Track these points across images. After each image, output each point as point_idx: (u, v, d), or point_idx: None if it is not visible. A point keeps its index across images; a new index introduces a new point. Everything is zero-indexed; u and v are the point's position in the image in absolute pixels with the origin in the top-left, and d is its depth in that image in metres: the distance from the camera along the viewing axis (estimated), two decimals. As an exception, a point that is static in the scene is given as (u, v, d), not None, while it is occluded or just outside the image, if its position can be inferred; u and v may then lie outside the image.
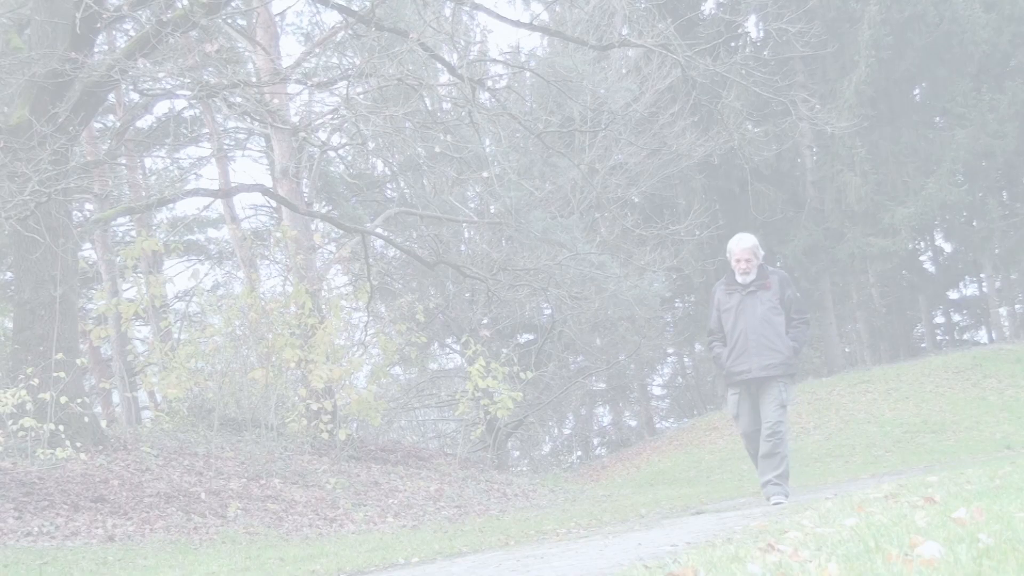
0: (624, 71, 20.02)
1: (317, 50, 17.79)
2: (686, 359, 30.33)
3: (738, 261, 7.61)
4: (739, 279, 7.57)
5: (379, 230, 17.48)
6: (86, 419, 9.82)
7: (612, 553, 4.09)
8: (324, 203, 22.10)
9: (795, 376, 7.64)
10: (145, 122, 21.62)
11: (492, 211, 18.77)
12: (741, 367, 7.48)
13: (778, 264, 26.28)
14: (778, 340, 7.44)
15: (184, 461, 10.49)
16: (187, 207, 23.20)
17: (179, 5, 9.47)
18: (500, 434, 18.02)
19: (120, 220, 20.37)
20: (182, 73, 9.93)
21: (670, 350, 29.42)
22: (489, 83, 11.57)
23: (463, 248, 20.07)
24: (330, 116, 14.92)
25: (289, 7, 17.16)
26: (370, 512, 9.69)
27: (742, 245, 7.63)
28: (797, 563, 2.56)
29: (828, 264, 24.15)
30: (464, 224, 19.25)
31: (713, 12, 24.41)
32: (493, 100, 11.80)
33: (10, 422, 8.94)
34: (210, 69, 12.62)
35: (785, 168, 24.15)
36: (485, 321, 20.08)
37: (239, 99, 10.24)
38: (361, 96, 11.80)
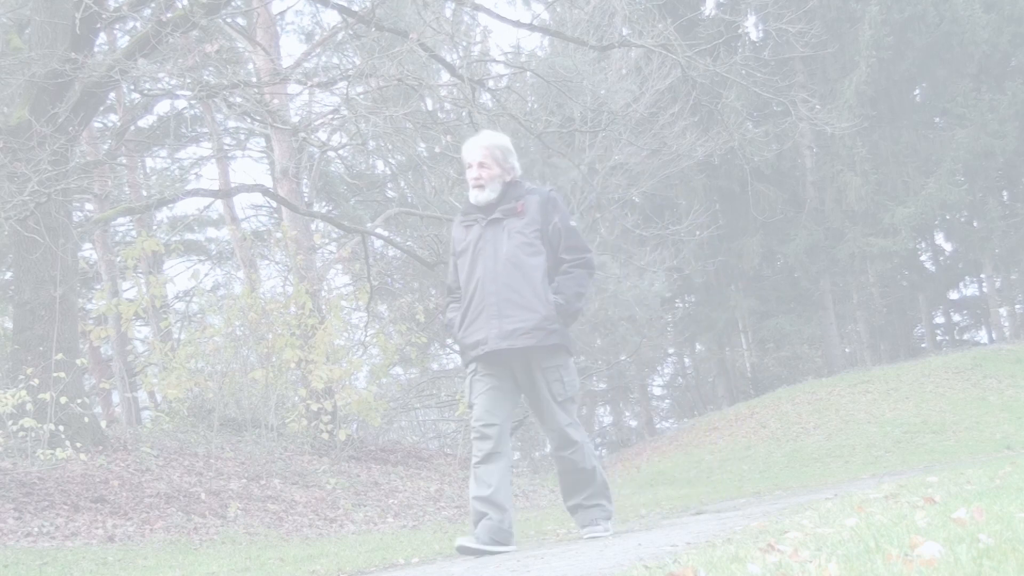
0: (624, 71, 20.01)
1: (317, 50, 17.80)
2: (686, 359, 30.37)
3: (469, 167, 5.05)
4: (472, 197, 5.03)
5: (379, 230, 17.49)
6: (86, 419, 9.82)
7: (612, 553, 4.09)
8: (324, 203, 22.11)
9: (570, 349, 5.04)
10: (145, 122, 21.65)
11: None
12: (476, 335, 4.92)
13: (778, 264, 26.37)
14: (531, 292, 4.87)
15: (184, 461, 10.48)
16: (187, 207, 23.25)
17: (179, 5, 9.47)
18: (500, 434, 17.98)
19: (120, 220, 20.37)
20: (182, 73, 9.92)
21: (670, 350, 29.46)
22: (490, 83, 11.58)
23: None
24: (330, 116, 14.91)
25: (289, 7, 17.20)
26: (370, 512, 9.69)
27: (476, 143, 5.09)
28: (797, 563, 2.55)
29: (828, 264, 24.17)
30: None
31: (713, 12, 24.43)
32: (494, 100, 11.79)
33: (10, 422, 8.93)
34: (210, 69, 12.62)
35: (785, 168, 24.17)
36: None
37: (239, 99, 10.24)
38: (361, 96, 11.80)
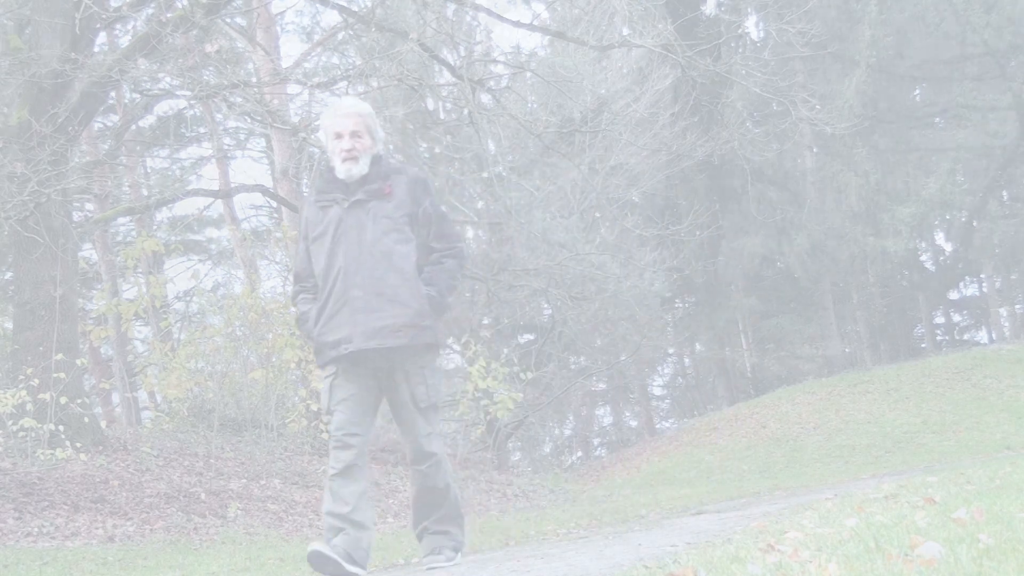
0: (625, 71, 20.02)
1: (317, 50, 17.80)
2: (686, 359, 30.37)
3: (339, 137, 4.38)
4: (340, 171, 4.37)
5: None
6: (86, 419, 9.82)
7: (612, 553, 4.09)
8: (324, 203, 22.02)
9: (439, 348, 4.49)
10: (145, 122, 21.66)
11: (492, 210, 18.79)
12: (337, 334, 4.25)
13: (778, 264, 26.37)
14: (402, 284, 4.26)
15: (184, 461, 10.49)
16: (187, 207, 23.22)
17: (179, 5, 9.48)
18: (500, 434, 18.01)
19: (120, 220, 20.38)
20: (182, 73, 9.92)
21: (670, 350, 29.45)
22: (491, 83, 11.58)
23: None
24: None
25: (289, 7, 17.21)
26: (370, 512, 9.68)
27: (346, 110, 4.46)
28: (797, 563, 2.55)
29: (828, 264, 24.16)
30: (464, 224, 19.27)
31: (713, 12, 24.44)
32: (494, 100, 11.80)
33: (10, 422, 8.94)
34: (210, 69, 12.62)
35: (785, 168, 24.17)
36: (485, 321, 20.08)
37: (239, 99, 10.24)
38: (361, 96, 11.80)
